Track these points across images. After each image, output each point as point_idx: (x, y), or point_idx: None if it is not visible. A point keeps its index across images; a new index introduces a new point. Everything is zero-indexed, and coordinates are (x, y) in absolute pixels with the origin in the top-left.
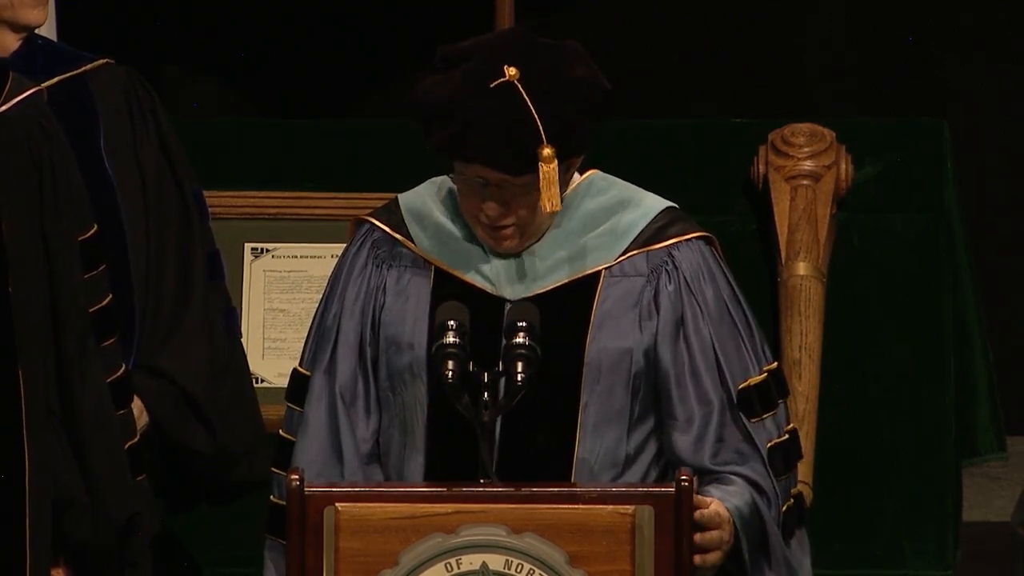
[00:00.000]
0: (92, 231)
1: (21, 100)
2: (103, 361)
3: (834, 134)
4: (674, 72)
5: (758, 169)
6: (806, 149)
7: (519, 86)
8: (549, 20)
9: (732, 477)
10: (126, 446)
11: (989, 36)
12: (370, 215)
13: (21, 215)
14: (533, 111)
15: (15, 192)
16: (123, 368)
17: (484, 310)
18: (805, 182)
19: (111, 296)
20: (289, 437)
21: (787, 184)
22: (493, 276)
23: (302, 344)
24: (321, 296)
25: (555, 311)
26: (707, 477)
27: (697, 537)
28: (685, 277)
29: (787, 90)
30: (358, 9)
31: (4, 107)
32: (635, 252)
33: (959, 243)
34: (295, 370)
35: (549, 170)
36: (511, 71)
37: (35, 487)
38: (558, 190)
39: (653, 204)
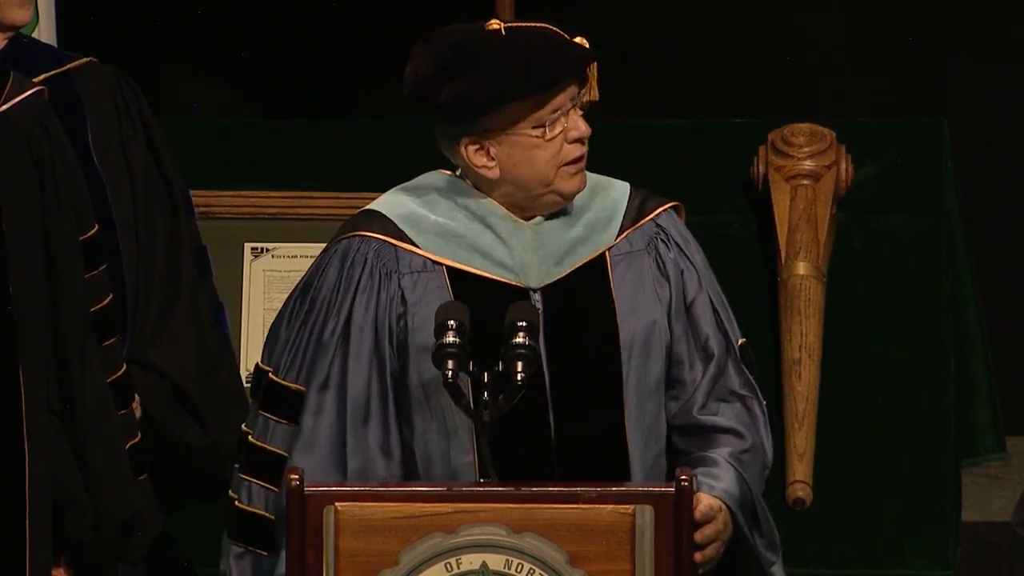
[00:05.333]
0: (93, 231)
1: (22, 99)
2: (104, 361)
3: (834, 134)
4: (674, 72)
5: (758, 169)
6: (806, 149)
7: (510, 25)
8: (548, 20)
9: (715, 456)
10: (127, 446)
11: (989, 36)
12: (356, 231)
13: (22, 214)
14: (541, 23)
15: (16, 191)
16: (124, 368)
17: (509, 302)
18: (805, 182)
19: (112, 296)
20: (265, 446)
21: (787, 184)
22: (516, 267)
23: None
24: (299, 310)
25: (575, 295)
26: (693, 437)
27: (696, 536)
28: (677, 243)
29: (787, 90)
30: (358, 9)
31: (5, 106)
32: (629, 230)
33: (959, 243)
34: (273, 381)
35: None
36: (493, 24)
37: (35, 487)
38: None
39: (621, 185)
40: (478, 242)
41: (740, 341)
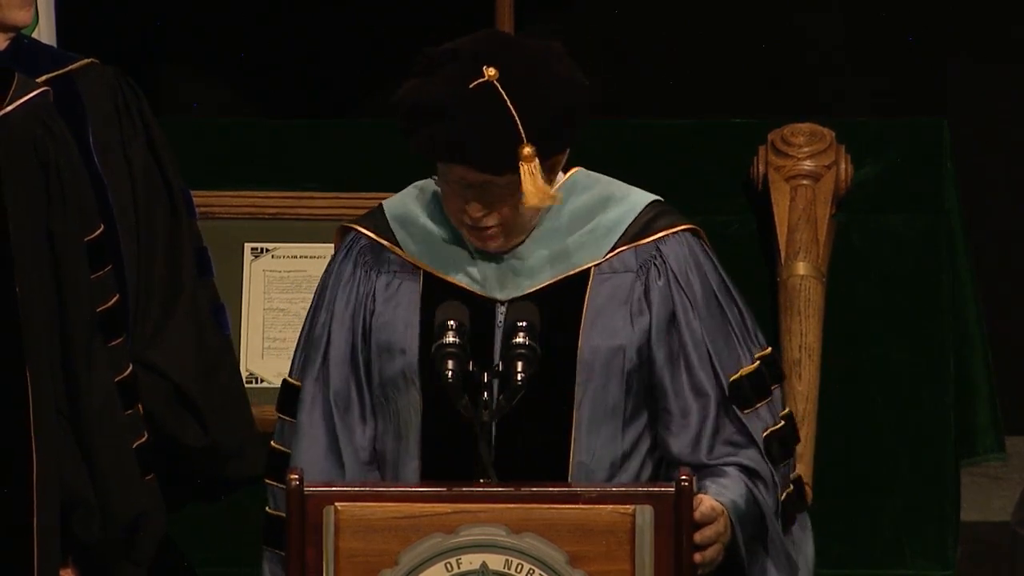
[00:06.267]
0: (98, 231)
1: (26, 101)
2: (110, 361)
3: (834, 134)
4: (674, 72)
5: (758, 169)
6: (806, 149)
7: (498, 86)
8: (549, 20)
9: (726, 469)
10: (133, 446)
11: (989, 36)
12: (354, 222)
13: (27, 216)
14: (513, 110)
15: (21, 193)
16: (130, 368)
17: (475, 312)
18: (805, 182)
19: (117, 296)
20: (282, 448)
21: (787, 184)
22: (482, 278)
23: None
24: (309, 306)
25: (546, 310)
26: (703, 471)
27: (696, 536)
28: (673, 270)
29: (787, 90)
30: (358, 9)
31: (10, 108)
32: (623, 248)
33: (959, 243)
34: (286, 381)
35: (530, 168)
36: (490, 71)
37: (43, 487)
38: (543, 186)
39: (638, 199)
40: (453, 250)
41: (765, 350)
